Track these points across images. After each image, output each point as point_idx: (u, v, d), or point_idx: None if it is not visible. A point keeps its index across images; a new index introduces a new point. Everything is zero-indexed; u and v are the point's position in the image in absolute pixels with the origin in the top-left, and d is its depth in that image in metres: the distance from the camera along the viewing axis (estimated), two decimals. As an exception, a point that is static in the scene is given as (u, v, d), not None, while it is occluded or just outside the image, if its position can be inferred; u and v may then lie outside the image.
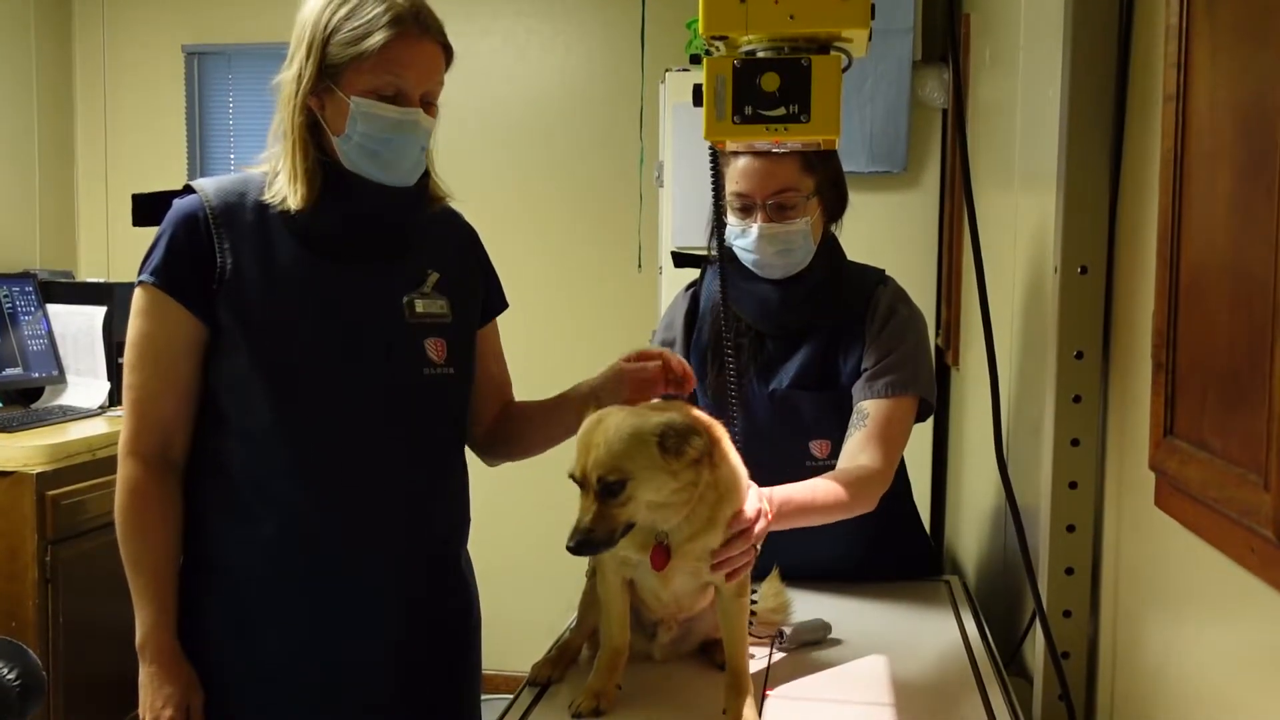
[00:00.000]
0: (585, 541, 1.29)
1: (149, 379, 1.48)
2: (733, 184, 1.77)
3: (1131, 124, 1.39)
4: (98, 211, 4.12)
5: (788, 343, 1.87)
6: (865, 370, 1.80)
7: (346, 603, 1.52)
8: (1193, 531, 1.11)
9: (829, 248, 1.86)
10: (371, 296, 1.54)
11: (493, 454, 1.78)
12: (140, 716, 1.48)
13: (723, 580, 1.42)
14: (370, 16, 1.44)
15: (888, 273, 1.92)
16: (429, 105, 1.51)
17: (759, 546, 1.43)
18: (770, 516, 1.46)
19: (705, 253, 1.99)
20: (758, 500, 1.44)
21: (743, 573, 1.42)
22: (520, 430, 1.75)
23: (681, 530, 1.37)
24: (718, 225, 1.67)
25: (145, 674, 1.47)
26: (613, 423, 1.32)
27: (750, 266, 1.81)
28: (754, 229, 1.76)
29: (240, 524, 1.50)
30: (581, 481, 1.32)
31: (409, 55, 1.46)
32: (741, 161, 1.76)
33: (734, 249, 1.81)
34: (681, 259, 2.22)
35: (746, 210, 1.77)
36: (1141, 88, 1.35)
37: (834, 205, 1.85)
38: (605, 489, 1.30)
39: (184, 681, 1.47)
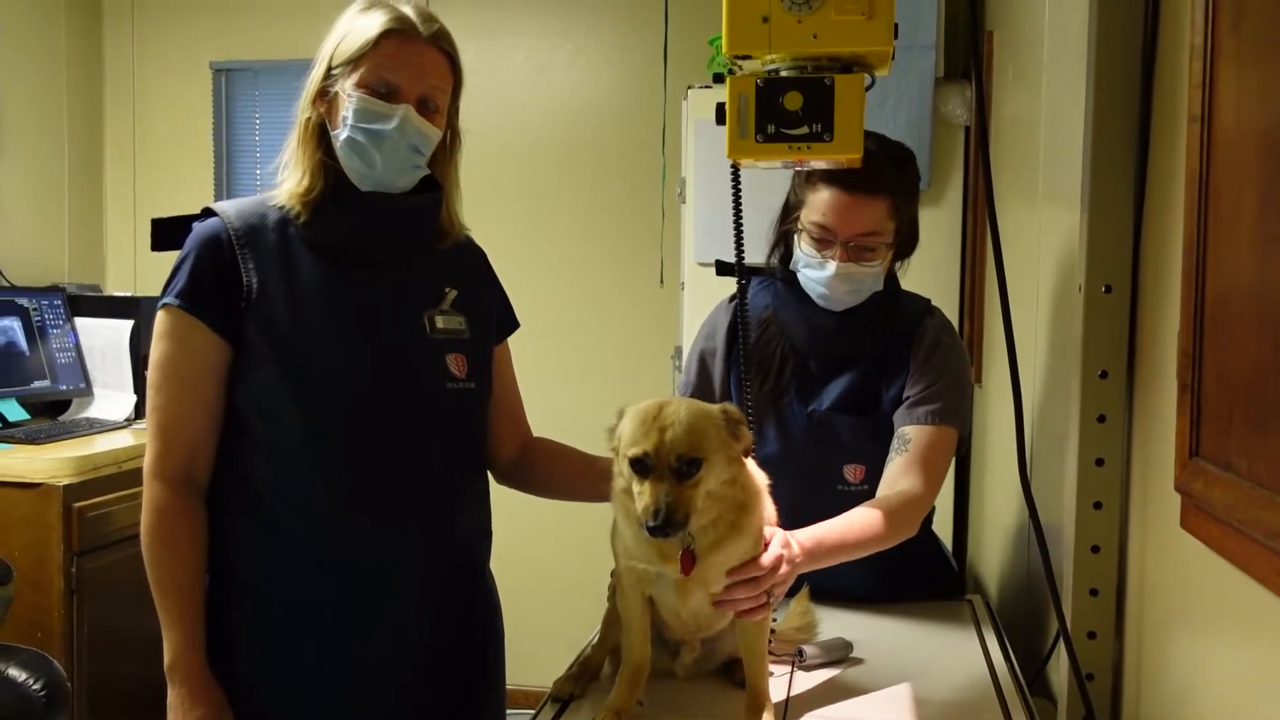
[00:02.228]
0: (669, 521, 1.26)
1: (173, 401, 1.48)
2: (817, 214, 1.74)
3: (1156, 143, 1.39)
4: (125, 226, 4.17)
5: (831, 365, 1.87)
6: (908, 398, 1.79)
7: (375, 615, 1.52)
8: (1218, 554, 1.10)
9: (888, 280, 1.85)
10: (394, 312, 1.56)
11: (513, 485, 1.77)
12: None
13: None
14: (372, 19, 1.49)
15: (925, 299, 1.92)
16: (432, 113, 1.52)
17: (777, 593, 1.42)
18: (797, 560, 1.46)
19: (751, 265, 1.97)
20: (780, 547, 1.43)
21: (754, 615, 1.41)
22: (538, 477, 1.75)
23: (707, 535, 1.36)
24: (737, 242, 1.67)
25: (175, 696, 1.46)
26: (680, 406, 1.32)
27: (815, 298, 1.80)
28: (831, 266, 1.74)
29: (268, 539, 1.50)
30: (654, 463, 1.29)
31: (402, 53, 1.48)
32: (830, 193, 1.72)
33: (801, 275, 1.80)
34: (726, 268, 2.21)
35: (825, 243, 1.75)
36: (1166, 107, 1.35)
37: (907, 247, 1.85)
38: (682, 468, 1.29)
39: (214, 703, 1.46)
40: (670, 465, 1.28)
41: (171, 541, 1.47)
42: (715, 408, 1.35)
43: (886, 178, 1.73)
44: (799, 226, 1.79)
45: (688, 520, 1.29)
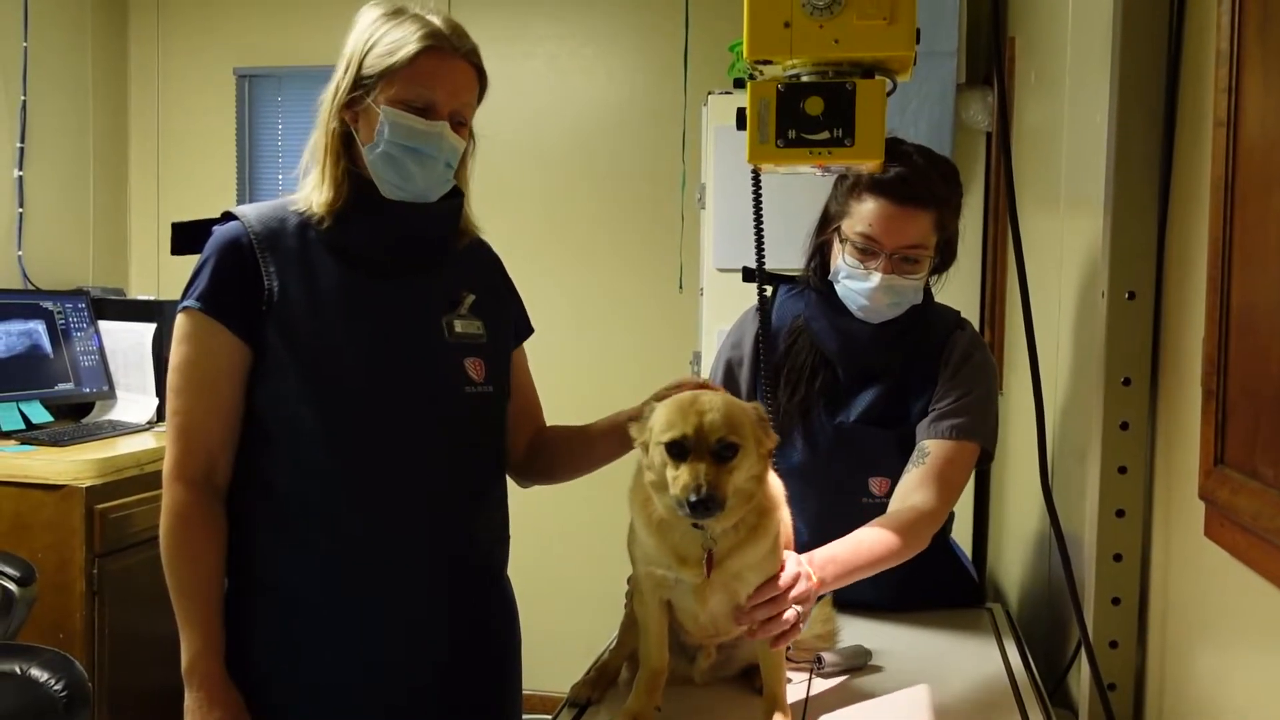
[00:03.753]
0: (710, 498, 1.25)
1: (193, 404, 1.48)
2: (862, 224, 1.73)
3: (1181, 148, 1.38)
4: (149, 230, 4.20)
5: (860, 377, 1.86)
6: (933, 410, 1.78)
7: (391, 618, 1.53)
8: (1243, 562, 1.09)
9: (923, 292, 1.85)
10: (413, 317, 1.56)
11: (527, 478, 1.78)
12: None
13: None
14: (406, 32, 1.48)
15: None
16: (460, 126, 1.53)
17: (801, 610, 1.41)
18: (813, 581, 1.45)
19: (779, 272, 1.95)
20: (797, 565, 1.43)
21: (772, 632, 1.40)
22: (552, 460, 1.75)
23: (728, 538, 1.36)
24: (758, 248, 1.66)
25: (192, 699, 1.46)
26: (715, 396, 1.33)
27: (854, 310, 1.79)
28: (875, 278, 1.73)
29: (287, 543, 1.51)
30: (694, 444, 1.29)
31: (439, 69, 1.49)
32: (875, 205, 1.72)
33: (841, 286, 1.79)
34: (751, 275, 2.20)
35: (869, 255, 1.74)
36: (1191, 111, 1.34)
37: (945, 260, 1.84)
38: (721, 451, 1.28)
39: (232, 706, 1.46)
40: (709, 447, 1.28)
41: (190, 544, 1.47)
42: (748, 404, 1.37)
43: (935, 191, 1.73)
44: (841, 237, 1.78)
45: (725, 503, 1.28)
